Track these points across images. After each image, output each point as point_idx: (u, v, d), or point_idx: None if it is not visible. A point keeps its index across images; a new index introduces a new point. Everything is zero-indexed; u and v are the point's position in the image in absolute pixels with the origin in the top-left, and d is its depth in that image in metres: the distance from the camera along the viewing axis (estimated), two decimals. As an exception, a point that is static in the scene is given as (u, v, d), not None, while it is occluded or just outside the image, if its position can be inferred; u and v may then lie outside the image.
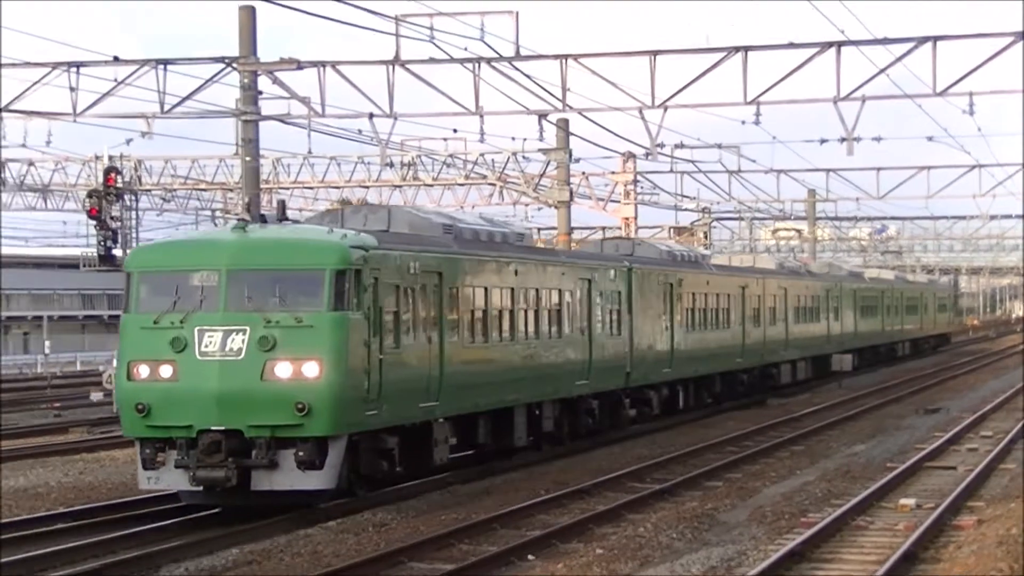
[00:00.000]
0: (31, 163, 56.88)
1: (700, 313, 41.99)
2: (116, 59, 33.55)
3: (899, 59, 32.12)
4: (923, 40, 31.74)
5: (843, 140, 36.07)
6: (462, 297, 26.69)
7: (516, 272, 28.89)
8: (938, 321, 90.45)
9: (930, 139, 51.96)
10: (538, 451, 31.14)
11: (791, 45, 32.34)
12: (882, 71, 32.47)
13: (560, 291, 31.38)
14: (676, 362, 39.23)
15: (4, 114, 35.43)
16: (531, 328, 29.81)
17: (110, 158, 47.54)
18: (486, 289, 27.57)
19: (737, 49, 32.23)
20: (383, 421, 23.44)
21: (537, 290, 30.08)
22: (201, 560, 19.42)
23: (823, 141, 44.83)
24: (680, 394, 40.71)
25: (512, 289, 28.76)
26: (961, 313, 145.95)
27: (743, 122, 34.99)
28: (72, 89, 33.51)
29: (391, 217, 26.79)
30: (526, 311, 29.51)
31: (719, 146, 53.75)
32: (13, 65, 34.02)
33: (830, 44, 32.00)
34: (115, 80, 33.47)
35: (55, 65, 33.57)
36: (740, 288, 46.18)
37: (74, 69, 33.46)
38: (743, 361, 46.30)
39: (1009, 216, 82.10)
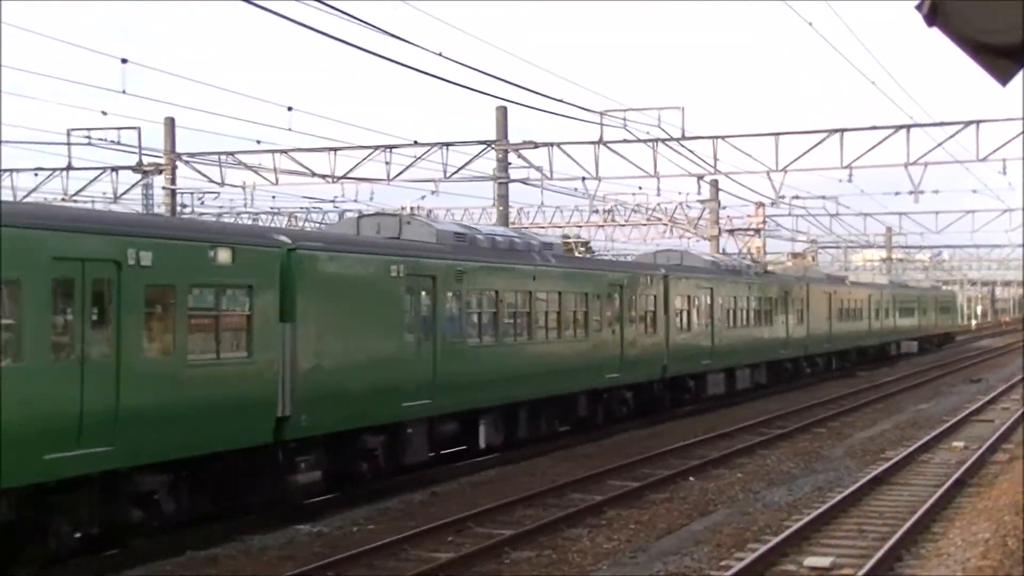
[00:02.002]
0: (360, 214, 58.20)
1: (516, 319, 21.17)
2: (415, 142, 34.10)
3: (951, 136, 31.18)
4: (969, 123, 30.83)
5: (911, 192, 35.31)
6: None
7: None
8: (939, 323, 67.98)
9: (974, 191, 50.58)
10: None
11: (874, 127, 31.61)
12: (939, 144, 31.54)
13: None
14: (441, 390, 18.33)
15: (343, 181, 36.09)
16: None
17: (411, 209, 48.13)
18: None
19: (836, 130, 31.63)
20: None
21: None
22: (472, 476, 19.66)
23: (897, 193, 43.55)
24: (482, 427, 20.29)
25: None
26: (996, 313, 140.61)
27: (840, 180, 34.30)
28: (386, 163, 34.17)
29: None
30: None
31: (823, 197, 53.78)
32: (350, 148, 34.81)
33: (902, 126, 31.26)
34: (414, 156, 34.07)
35: (375, 147, 34.30)
36: (615, 287, 25.40)
37: (388, 150, 34.15)
38: (622, 376, 25.41)
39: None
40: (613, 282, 25.50)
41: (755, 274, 35.90)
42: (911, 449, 21.89)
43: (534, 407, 22.21)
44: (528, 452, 21.90)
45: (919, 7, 4.54)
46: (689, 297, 29.84)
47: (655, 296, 27.69)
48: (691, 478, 19.18)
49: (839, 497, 16.57)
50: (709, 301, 31.00)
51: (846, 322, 44.97)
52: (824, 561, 12.95)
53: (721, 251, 45.08)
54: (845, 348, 45.64)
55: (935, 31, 4.45)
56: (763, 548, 13.26)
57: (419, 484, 18.37)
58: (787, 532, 14.09)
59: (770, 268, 41.32)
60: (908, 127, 31.23)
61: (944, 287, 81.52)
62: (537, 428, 22.45)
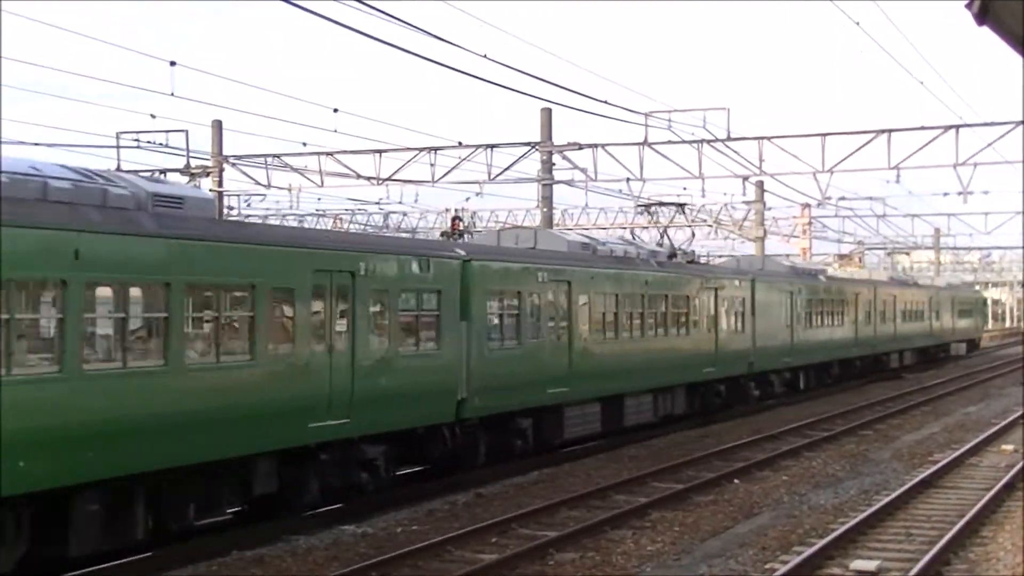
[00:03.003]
0: (404, 214, 58.38)
1: (71, 331, 11.00)
2: (460, 144, 34.14)
3: (1001, 136, 30.77)
4: (1019, 123, 30.29)
5: (960, 193, 34.87)
6: None
7: None
8: (958, 328, 57.71)
9: (1024, 191, 49.82)
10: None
11: (922, 127, 31.26)
12: (989, 145, 31.15)
13: None
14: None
15: (388, 182, 36.21)
16: None
17: (455, 210, 48.30)
18: None
19: (884, 131, 31.32)
20: None
21: None
22: (516, 478, 19.65)
23: (946, 194, 43.16)
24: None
25: None
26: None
27: (888, 181, 34.13)
28: (431, 165, 34.23)
29: None
30: None
31: (870, 198, 53.52)
32: (395, 150, 34.89)
33: (951, 126, 30.89)
34: (459, 158, 34.11)
35: (420, 149, 34.39)
36: (339, 277, 15.14)
37: (433, 151, 34.23)
38: (355, 423, 15.30)
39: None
40: (332, 267, 15.13)
41: (658, 264, 25.80)
42: (959, 452, 21.63)
43: (123, 494, 12.23)
44: (571, 454, 21.87)
45: (969, 6, 4.49)
46: (519, 294, 19.79)
47: (439, 292, 17.52)
48: (736, 480, 19.07)
49: (886, 500, 16.40)
50: (564, 300, 21.10)
51: (819, 329, 35.72)
52: (871, 564, 12.83)
53: (764, 250, 44.19)
54: (818, 362, 35.91)
55: (985, 30, 4.40)
56: (809, 551, 13.16)
57: (463, 486, 18.39)
58: (833, 535, 13.98)
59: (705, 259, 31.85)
60: (957, 127, 30.87)
61: (975, 287, 79.19)
62: (129, 527, 12.36)
